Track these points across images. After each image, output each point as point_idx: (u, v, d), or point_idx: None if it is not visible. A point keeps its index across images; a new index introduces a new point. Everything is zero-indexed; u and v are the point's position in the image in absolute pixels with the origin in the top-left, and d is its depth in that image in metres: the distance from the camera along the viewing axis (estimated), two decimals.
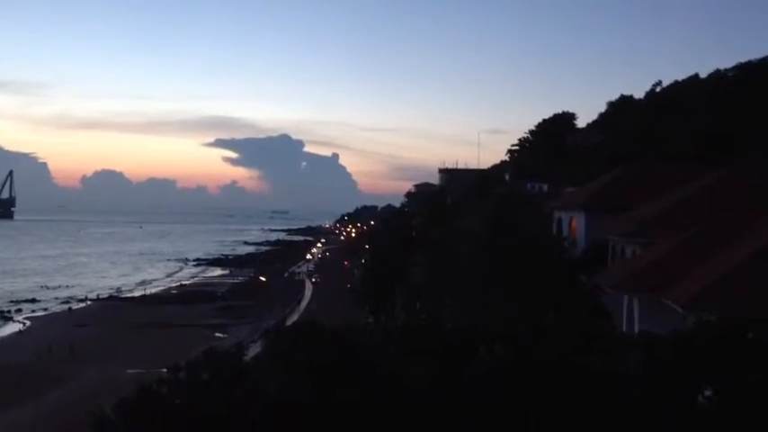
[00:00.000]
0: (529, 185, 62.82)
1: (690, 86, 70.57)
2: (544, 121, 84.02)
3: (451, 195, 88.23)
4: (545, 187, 60.52)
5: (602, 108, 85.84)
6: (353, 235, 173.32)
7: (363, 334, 13.07)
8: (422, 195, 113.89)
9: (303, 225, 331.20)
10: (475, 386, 10.94)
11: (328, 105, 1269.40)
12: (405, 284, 51.48)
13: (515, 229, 36.48)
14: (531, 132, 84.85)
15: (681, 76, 75.94)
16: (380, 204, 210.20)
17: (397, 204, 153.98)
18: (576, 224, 38.47)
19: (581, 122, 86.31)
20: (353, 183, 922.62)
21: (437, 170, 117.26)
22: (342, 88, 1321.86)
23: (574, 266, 30.69)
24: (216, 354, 12.24)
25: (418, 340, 11.55)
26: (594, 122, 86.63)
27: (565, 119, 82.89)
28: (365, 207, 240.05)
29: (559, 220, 41.17)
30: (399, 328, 14.19)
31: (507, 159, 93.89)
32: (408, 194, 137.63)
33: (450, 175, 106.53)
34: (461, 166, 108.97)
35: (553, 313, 15.88)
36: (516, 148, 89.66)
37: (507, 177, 77.15)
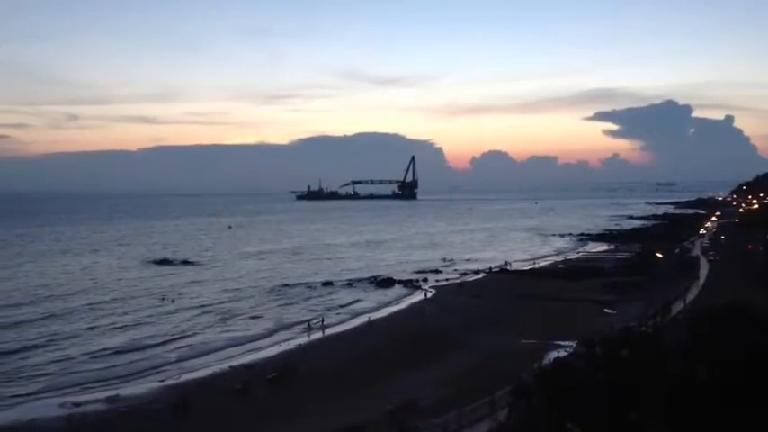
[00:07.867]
0: None
1: None
2: None
3: None
4: None
5: None
6: (755, 206, 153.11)
7: None
8: None
9: (693, 197, 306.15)
10: None
11: (718, 63, 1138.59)
12: None
13: None
14: None
15: None
16: None
17: None
18: None
19: None
20: (752, 147, 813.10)
21: None
22: (735, 40, 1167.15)
23: None
24: (634, 333, 12.11)
25: None
26: None
27: None
28: None
29: None
30: None
31: None
32: None
33: None
34: None
35: None
36: None
37: None
